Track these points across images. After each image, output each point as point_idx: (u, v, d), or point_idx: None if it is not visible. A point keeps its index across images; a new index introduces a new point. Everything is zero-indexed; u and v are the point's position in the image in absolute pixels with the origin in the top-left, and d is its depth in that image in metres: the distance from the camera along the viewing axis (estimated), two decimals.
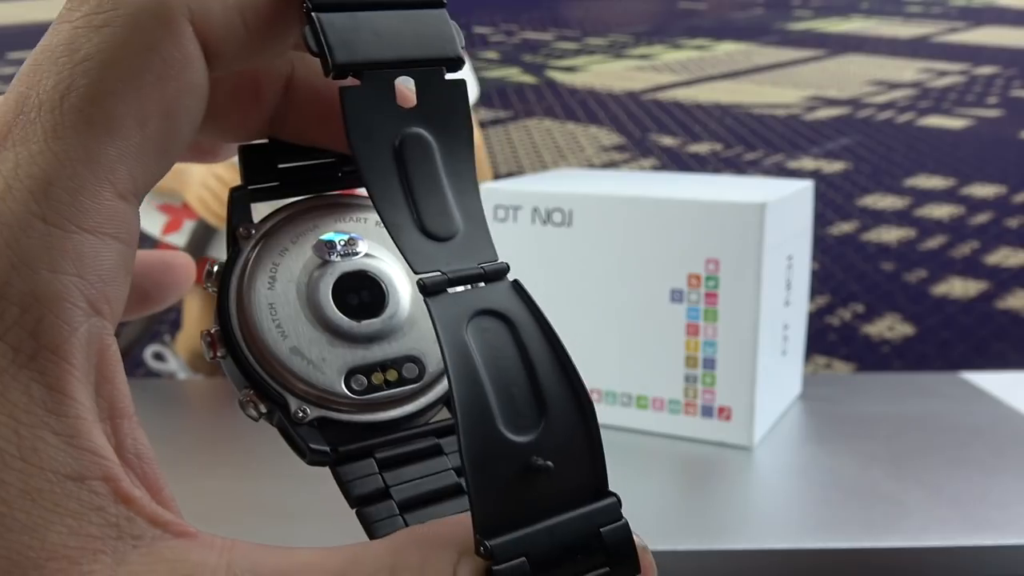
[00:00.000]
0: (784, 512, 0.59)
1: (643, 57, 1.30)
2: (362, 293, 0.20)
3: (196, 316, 1.07)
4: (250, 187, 0.21)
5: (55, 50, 0.16)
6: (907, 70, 1.38)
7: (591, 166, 1.06)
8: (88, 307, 0.15)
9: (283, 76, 0.20)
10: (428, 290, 0.17)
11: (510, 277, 0.18)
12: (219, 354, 0.19)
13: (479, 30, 1.66)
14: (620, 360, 0.67)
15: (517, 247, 0.69)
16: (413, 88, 0.18)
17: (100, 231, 0.15)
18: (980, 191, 1.08)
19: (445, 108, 0.18)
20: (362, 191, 0.19)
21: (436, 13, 0.18)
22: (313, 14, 0.17)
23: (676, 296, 0.66)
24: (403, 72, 0.18)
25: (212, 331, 0.19)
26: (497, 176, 0.97)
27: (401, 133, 0.18)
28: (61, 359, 0.15)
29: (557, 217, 0.68)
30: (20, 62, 1.10)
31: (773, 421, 0.70)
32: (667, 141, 1.05)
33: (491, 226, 0.19)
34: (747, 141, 1.05)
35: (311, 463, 0.19)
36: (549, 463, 0.16)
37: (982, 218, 1.05)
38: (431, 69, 0.18)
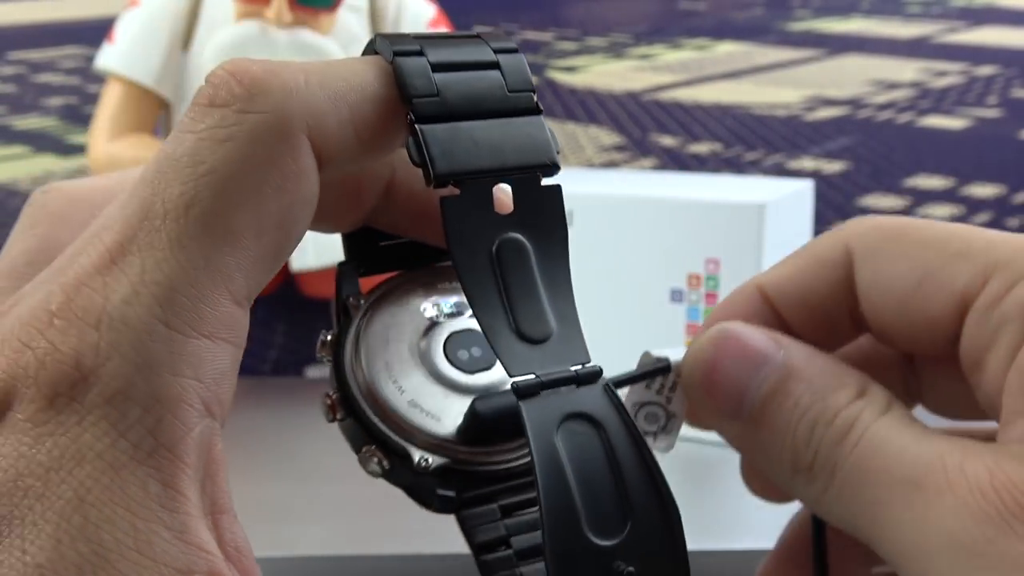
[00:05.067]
0: (785, 512, 0.59)
1: (643, 57, 1.30)
2: (472, 349, 0.21)
3: None
4: (357, 264, 0.21)
5: (179, 160, 0.16)
6: (907, 70, 1.38)
7: (591, 166, 1.06)
8: (203, 408, 0.16)
9: (384, 179, 0.20)
10: (521, 393, 0.17)
11: (602, 380, 0.18)
12: (339, 416, 0.20)
13: (479, 30, 1.66)
14: (620, 360, 0.67)
15: None
16: (510, 194, 0.19)
17: (216, 336, 0.16)
18: (980, 191, 1.09)
19: (541, 213, 0.19)
20: None
21: (533, 120, 0.19)
22: (416, 126, 0.18)
23: (676, 296, 0.66)
24: (501, 179, 0.18)
25: (332, 395, 0.20)
26: None
27: (498, 239, 0.18)
28: (176, 458, 0.16)
29: None
30: (20, 62, 1.09)
31: None
32: (667, 141, 1.05)
33: None
34: (747, 141, 1.05)
35: (438, 510, 0.20)
36: (631, 568, 0.17)
37: (982, 218, 1.05)
38: (527, 175, 0.19)
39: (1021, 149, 1.13)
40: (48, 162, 0.96)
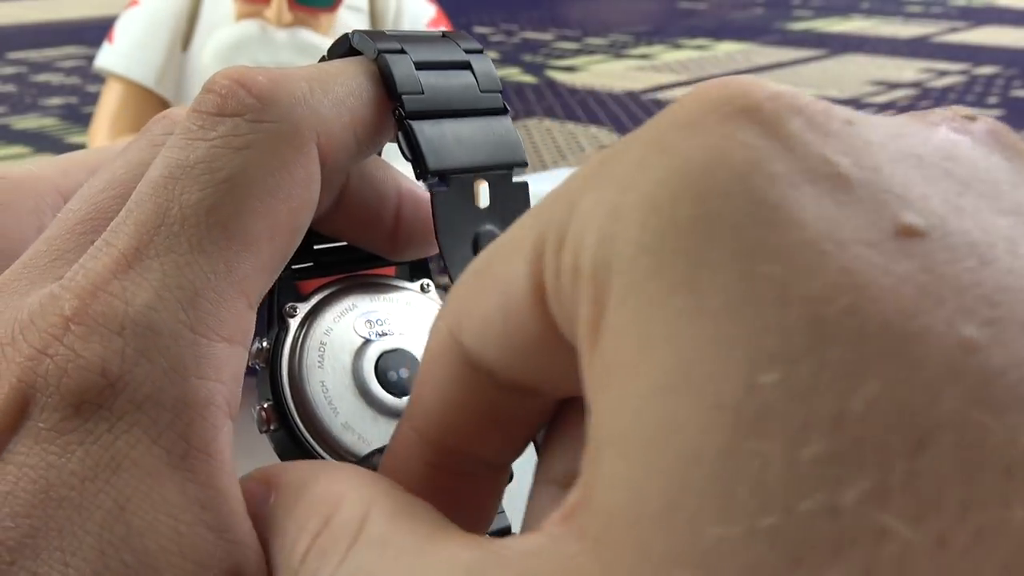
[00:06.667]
0: None
1: (643, 57, 1.30)
2: (400, 371, 0.21)
3: None
4: (292, 267, 0.22)
5: (195, 167, 0.17)
6: (907, 70, 1.38)
7: None
8: (227, 409, 0.16)
9: (340, 183, 0.21)
10: None
11: None
12: (272, 428, 0.20)
13: (479, 30, 1.66)
14: None
15: None
16: (487, 190, 0.20)
17: (233, 339, 0.17)
18: None
19: (513, 207, 0.20)
20: (390, 271, 0.22)
21: (504, 120, 0.21)
22: (407, 122, 0.19)
23: None
24: (481, 176, 0.20)
25: (265, 406, 0.20)
26: None
27: (478, 230, 0.20)
28: (211, 457, 0.16)
29: None
30: (20, 62, 1.09)
31: None
32: None
33: None
34: None
35: None
36: None
37: None
38: (502, 173, 0.20)
39: None
40: None
